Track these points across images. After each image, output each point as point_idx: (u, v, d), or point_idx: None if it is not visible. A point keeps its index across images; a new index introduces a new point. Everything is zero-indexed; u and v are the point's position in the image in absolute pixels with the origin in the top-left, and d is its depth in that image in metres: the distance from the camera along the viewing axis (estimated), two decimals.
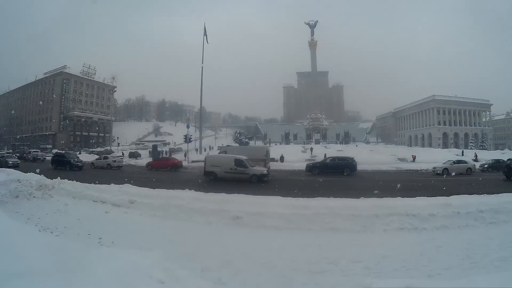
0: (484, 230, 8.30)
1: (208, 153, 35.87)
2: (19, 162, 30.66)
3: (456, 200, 9.96)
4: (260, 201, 10.00)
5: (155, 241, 7.17)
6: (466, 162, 29.09)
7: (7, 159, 30.37)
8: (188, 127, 42.48)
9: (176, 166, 29.51)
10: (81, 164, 28.35)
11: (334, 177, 23.16)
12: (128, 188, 12.52)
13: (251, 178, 18.82)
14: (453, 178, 22.82)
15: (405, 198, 10.34)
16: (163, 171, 27.90)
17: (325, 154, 36.76)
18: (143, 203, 10.64)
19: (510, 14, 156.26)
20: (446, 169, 26.58)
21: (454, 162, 28.31)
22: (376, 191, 12.21)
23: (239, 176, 18.97)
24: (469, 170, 27.25)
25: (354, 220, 8.60)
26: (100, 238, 7.26)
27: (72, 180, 13.64)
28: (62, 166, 27.35)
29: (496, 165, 29.10)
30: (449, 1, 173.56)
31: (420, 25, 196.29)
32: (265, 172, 19.84)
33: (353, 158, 27.27)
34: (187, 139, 36.94)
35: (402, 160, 41.60)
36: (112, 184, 13.08)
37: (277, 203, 9.73)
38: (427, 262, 6.18)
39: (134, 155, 48.53)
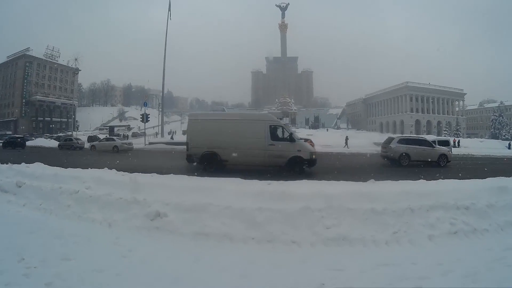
0: None
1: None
2: None
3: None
4: (202, 185, 6.02)
5: None
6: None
7: None
8: (145, 105, 37.43)
9: None
10: None
11: None
12: (35, 167, 9.14)
13: None
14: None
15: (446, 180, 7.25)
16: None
17: None
18: (32, 186, 7.50)
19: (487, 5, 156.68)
20: (93, 146, 25.80)
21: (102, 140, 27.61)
22: None
23: None
24: (116, 148, 23.62)
25: (376, 221, 4.93)
26: None
27: None
28: None
29: None
30: None
31: (394, 14, 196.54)
32: None
33: None
34: (145, 118, 32.12)
35: (378, 144, 39.27)
36: (23, 164, 9.77)
37: (231, 190, 5.82)
38: None
39: (92, 139, 47.08)
